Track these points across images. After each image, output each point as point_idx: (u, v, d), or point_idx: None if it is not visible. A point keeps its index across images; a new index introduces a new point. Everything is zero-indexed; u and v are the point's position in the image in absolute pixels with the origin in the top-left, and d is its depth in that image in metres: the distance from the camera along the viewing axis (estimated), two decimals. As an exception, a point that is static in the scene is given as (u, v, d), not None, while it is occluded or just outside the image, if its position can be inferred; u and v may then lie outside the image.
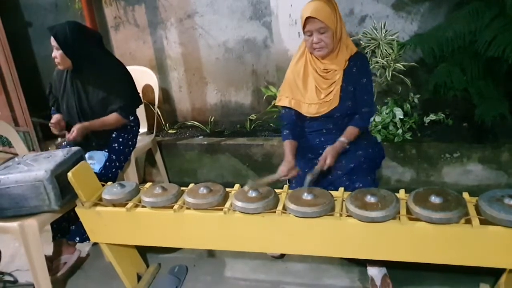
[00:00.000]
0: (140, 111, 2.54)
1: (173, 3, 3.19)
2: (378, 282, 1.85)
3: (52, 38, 2.07)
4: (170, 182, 3.02)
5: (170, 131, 3.34)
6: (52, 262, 2.17)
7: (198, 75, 3.37)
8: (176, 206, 1.65)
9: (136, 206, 1.71)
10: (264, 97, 3.10)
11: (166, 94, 3.48)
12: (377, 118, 2.66)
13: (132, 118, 2.33)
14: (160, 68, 3.41)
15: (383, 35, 2.67)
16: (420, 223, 1.40)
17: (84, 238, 2.18)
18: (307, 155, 1.97)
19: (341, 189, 1.65)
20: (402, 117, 2.64)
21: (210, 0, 3.10)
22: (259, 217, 1.56)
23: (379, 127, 2.64)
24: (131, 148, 2.42)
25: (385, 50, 2.65)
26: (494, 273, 1.74)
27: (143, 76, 2.88)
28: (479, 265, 1.44)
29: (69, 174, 1.67)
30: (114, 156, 2.25)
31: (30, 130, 3.42)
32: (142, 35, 3.36)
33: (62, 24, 2.11)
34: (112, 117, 2.19)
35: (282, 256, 2.16)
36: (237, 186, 1.74)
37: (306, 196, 1.52)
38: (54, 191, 1.72)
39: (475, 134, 2.58)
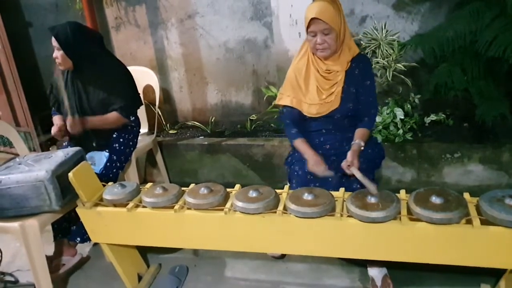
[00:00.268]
0: (141, 112, 2.53)
1: (173, 4, 3.19)
2: (378, 282, 1.85)
3: (53, 39, 2.07)
4: (170, 182, 3.02)
5: (170, 131, 3.34)
6: (52, 262, 2.17)
7: (199, 75, 3.37)
8: (176, 206, 1.65)
9: (137, 206, 1.71)
10: (265, 98, 3.10)
11: (166, 95, 3.48)
12: (378, 119, 2.66)
13: (133, 118, 2.33)
14: (160, 69, 3.41)
15: (384, 35, 2.67)
16: (421, 223, 1.40)
17: (85, 238, 2.18)
18: (308, 155, 1.97)
19: (342, 189, 1.65)
20: (402, 117, 2.64)
21: (210, 0, 3.10)
22: (260, 217, 1.56)
23: (380, 127, 2.64)
24: (132, 149, 2.42)
25: (386, 50, 2.65)
26: (495, 274, 1.74)
27: (143, 77, 2.88)
28: (480, 265, 1.43)
29: (70, 174, 1.67)
30: (114, 157, 2.25)
31: (31, 130, 3.42)
32: (143, 36, 3.36)
33: (63, 24, 2.11)
34: (113, 116, 2.19)
35: (282, 256, 2.16)
36: (237, 186, 1.74)
37: (307, 196, 1.52)
38: (55, 191, 1.72)
39: (475, 134, 2.58)
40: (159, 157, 2.98)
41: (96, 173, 1.87)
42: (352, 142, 1.85)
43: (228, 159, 2.99)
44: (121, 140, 2.30)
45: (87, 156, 2.13)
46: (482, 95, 2.32)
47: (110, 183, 1.88)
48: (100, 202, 1.77)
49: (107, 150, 2.25)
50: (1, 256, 2.16)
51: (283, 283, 2.00)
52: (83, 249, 2.35)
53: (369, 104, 1.92)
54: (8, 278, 2.18)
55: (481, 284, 1.79)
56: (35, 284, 1.87)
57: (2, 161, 1.98)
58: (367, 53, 2.67)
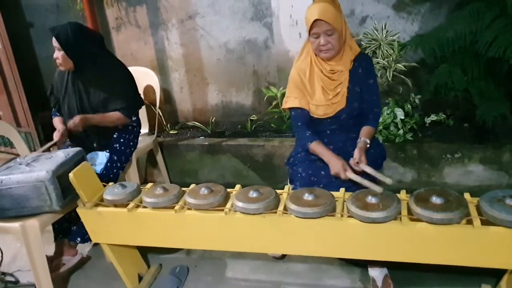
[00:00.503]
0: (141, 112, 2.54)
1: (174, 4, 3.19)
2: (379, 282, 1.85)
3: (54, 39, 2.07)
4: (171, 182, 3.02)
5: (171, 132, 3.34)
6: (53, 262, 2.17)
7: (199, 75, 3.37)
8: (177, 207, 1.65)
9: (137, 206, 1.71)
10: (265, 98, 3.10)
11: (167, 95, 3.48)
12: (378, 119, 2.66)
13: (134, 118, 2.33)
14: (161, 69, 3.41)
15: (384, 35, 2.68)
16: (421, 223, 1.40)
17: (86, 238, 2.18)
18: (310, 157, 1.96)
19: (342, 189, 1.65)
20: (403, 117, 2.64)
21: (211, 1, 3.10)
22: (260, 218, 1.56)
23: (380, 127, 2.64)
24: (133, 149, 2.42)
25: (386, 50, 2.65)
26: (496, 274, 1.74)
27: (144, 77, 2.89)
28: (480, 265, 1.43)
29: (71, 174, 1.67)
30: (115, 157, 2.25)
31: (31, 130, 3.43)
32: (144, 36, 3.36)
33: (64, 25, 2.11)
34: (114, 115, 2.19)
35: (283, 256, 2.16)
36: (238, 186, 1.74)
37: (307, 197, 1.52)
38: (55, 191, 1.72)
39: (476, 135, 2.58)
40: (159, 158, 2.99)
41: (96, 173, 1.87)
42: (358, 140, 1.85)
43: (229, 160, 2.99)
44: (122, 140, 2.30)
45: (88, 156, 2.13)
46: (482, 95, 2.32)
47: (110, 184, 1.88)
48: (100, 202, 1.77)
49: (107, 151, 2.25)
50: (2, 257, 2.16)
51: (283, 284, 2.00)
52: (84, 249, 2.35)
53: (373, 103, 1.92)
54: (8, 278, 2.18)
55: (481, 284, 1.79)
56: (36, 284, 1.87)
57: (2, 161, 1.98)
58: (367, 54, 2.67)
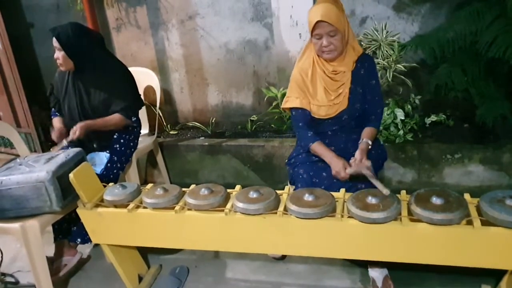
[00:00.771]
0: (142, 112, 2.54)
1: (174, 5, 3.20)
2: (379, 283, 1.85)
3: (54, 39, 2.07)
4: (171, 183, 3.02)
5: (171, 132, 3.34)
6: (53, 263, 2.17)
7: (199, 76, 3.37)
8: (177, 207, 1.65)
9: (138, 207, 1.71)
10: (265, 98, 3.10)
11: (167, 95, 3.48)
12: (378, 119, 2.66)
13: (134, 119, 2.33)
14: (161, 69, 3.41)
15: (384, 36, 2.68)
16: (421, 224, 1.40)
17: (86, 239, 2.18)
18: (311, 158, 1.96)
19: (342, 190, 1.65)
20: (403, 118, 2.63)
21: (211, 1, 3.10)
22: (260, 218, 1.56)
23: (381, 128, 2.64)
24: (133, 149, 2.42)
25: (386, 51, 2.65)
26: (496, 275, 1.74)
27: (144, 78, 2.89)
28: (481, 266, 1.43)
29: (71, 175, 1.67)
30: (115, 157, 2.25)
31: (31, 131, 3.43)
32: (144, 37, 3.36)
33: (64, 25, 2.11)
34: (115, 117, 2.19)
35: (283, 257, 2.16)
36: (238, 187, 1.74)
37: (307, 197, 1.52)
38: (55, 192, 1.72)
39: (476, 135, 2.58)
40: (159, 158, 2.99)
41: (96, 174, 1.87)
42: (360, 141, 1.84)
43: (229, 160, 2.99)
44: (122, 141, 2.30)
45: (88, 157, 2.13)
46: (482, 95, 2.32)
47: (110, 184, 1.88)
48: (100, 203, 1.77)
49: (107, 151, 2.25)
50: (2, 257, 2.16)
51: (283, 284, 2.00)
52: (84, 250, 2.35)
53: (375, 104, 1.92)
54: (8, 279, 2.18)
55: (481, 285, 1.79)
56: (36, 285, 1.87)
57: (2, 162, 1.98)
58: (369, 54, 2.67)
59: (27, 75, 3.44)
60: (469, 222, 1.37)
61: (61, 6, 3.46)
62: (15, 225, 1.76)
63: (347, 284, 1.95)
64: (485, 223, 1.35)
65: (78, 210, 1.78)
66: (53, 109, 2.36)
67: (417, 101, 2.76)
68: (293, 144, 2.68)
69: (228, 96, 3.37)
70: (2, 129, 2.42)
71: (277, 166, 2.87)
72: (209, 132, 3.26)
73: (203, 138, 3.18)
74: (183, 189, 1.76)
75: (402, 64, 2.65)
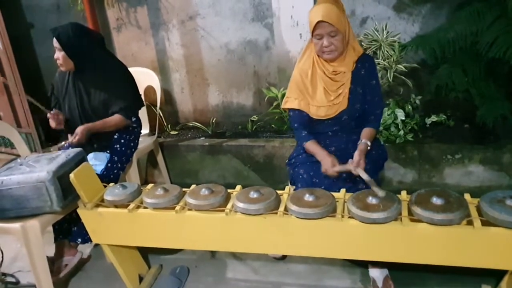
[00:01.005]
0: (142, 113, 2.54)
1: (175, 5, 3.20)
2: (380, 283, 1.85)
3: (54, 40, 2.07)
4: (171, 183, 3.02)
5: (172, 132, 3.35)
6: (54, 263, 2.17)
7: (200, 76, 3.37)
8: (177, 207, 1.65)
9: (138, 207, 1.71)
10: (266, 99, 3.11)
11: (168, 96, 3.49)
12: (379, 120, 2.66)
13: (134, 119, 2.33)
14: (162, 70, 3.41)
15: (385, 36, 2.68)
16: (422, 224, 1.40)
17: (86, 239, 2.18)
18: (312, 158, 1.95)
19: (343, 190, 1.65)
20: (403, 118, 2.64)
21: (212, 1, 3.10)
22: (261, 218, 1.56)
23: (381, 128, 2.64)
24: (133, 150, 2.42)
25: (387, 51, 2.65)
26: (496, 275, 1.74)
27: (145, 78, 2.89)
28: (481, 266, 1.43)
29: (71, 175, 1.67)
30: (116, 158, 2.25)
31: (32, 131, 3.42)
32: (144, 37, 3.37)
33: (65, 25, 2.12)
34: (114, 118, 2.20)
35: (283, 257, 2.16)
36: (238, 187, 1.74)
37: (308, 197, 1.52)
38: (56, 192, 1.72)
39: (476, 135, 2.58)
40: (160, 158, 2.99)
41: (97, 174, 1.87)
42: (359, 142, 1.84)
43: (229, 160, 2.99)
44: (122, 141, 2.30)
45: (88, 157, 2.13)
46: (483, 96, 2.32)
47: (111, 184, 1.88)
48: (101, 203, 1.77)
49: (108, 151, 2.26)
50: (2, 257, 2.16)
51: (284, 284, 2.00)
52: (84, 250, 2.35)
53: (375, 104, 1.92)
54: (9, 279, 2.18)
55: (482, 285, 1.79)
56: (36, 285, 1.87)
57: (3, 162, 1.98)
58: (370, 55, 2.67)
59: (27, 75, 3.44)
60: (470, 222, 1.37)
61: (62, 6, 3.47)
62: (16, 225, 1.76)
63: (347, 284, 1.95)
64: (486, 223, 1.35)
65: (78, 210, 1.78)
66: (53, 109, 2.36)
67: (417, 102, 2.76)
68: (294, 144, 2.68)
69: (229, 96, 3.37)
70: (3, 129, 2.42)
71: (278, 166, 2.87)
72: (209, 132, 3.26)
73: (203, 138, 3.18)
74: (184, 189, 1.76)
75: (403, 65, 2.65)
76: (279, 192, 1.65)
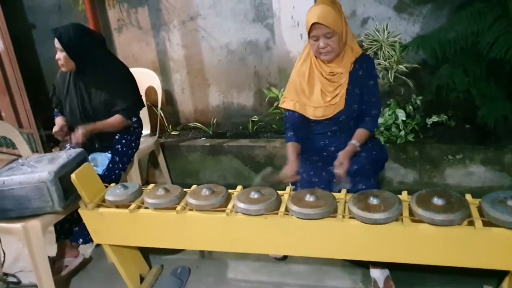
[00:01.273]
0: (143, 113, 2.54)
1: (176, 6, 3.20)
2: (381, 284, 1.85)
3: (56, 40, 2.08)
4: (172, 183, 3.02)
5: (172, 133, 3.35)
6: (55, 263, 2.17)
7: (201, 77, 3.37)
8: (178, 208, 1.65)
9: (139, 207, 1.72)
10: (266, 99, 3.11)
11: (169, 96, 3.49)
12: (380, 120, 2.65)
13: (135, 119, 2.34)
14: (163, 70, 3.42)
15: (386, 36, 2.67)
16: (423, 225, 1.40)
17: (87, 239, 2.18)
18: (312, 157, 1.97)
19: (344, 190, 1.65)
20: (404, 118, 2.64)
21: (212, 2, 3.11)
22: (262, 219, 1.56)
23: (382, 128, 2.64)
24: (134, 150, 2.42)
25: (388, 51, 2.65)
26: (497, 275, 1.74)
27: (146, 78, 2.89)
28: (482, 267, 1.43)
29: (73, 175, 1.67)
30: (117, 158, 2.25)
31: (33, 131, 3.43)
32: (145, 37, 3.37)
33: (66, 26, 2.12)
34: (115, 119, 2.20)
35: (284, 257, 2.16)
36: (239, 187, 1.74)
37: (309, 198, 1.53)
38: (57, 192, 1.73)
39: (477, 136, 2.58)
40: (161, 158, 2.99)
41: (98, 174, 1.88)
42: (349, 142, 1.84)
43: (230, 160, 3.00)
44: (124, 141, 2.31)
45: (90, 157, 2.14)
46: (484, 96, 2.32)
47: (112, 184, 1.88)
48: (102, 203, 1.77)
49: (109, 152, 2.26)
50: (4, 257, 2.16)
51: (284, 285, 2.00)
52: (86, 250, 2.35)
53: (371, 104, 1.91)
54: (10, 279, 2.18)
55: (483, 285, 1.79)
56: (38, 285, 1.87)
57: (4, 162, 1.99)
58: (369, 55, 2.67)
59: (29, 75, 3.45)
60: (471, 223, 1.37)
61: (63, 7, 3.47)
62: (17, 225, 1.77)
63: (348, 285, 1.95)
64: (487, 223, 1.35)
65: (80, 211, 1.78)
66: (55, 110, 2.37)
67: (418, 102, 2.76)
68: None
69: (229, 96, 3.37)
70: (4, 130, 2.42)
71: (278, 167, 2.87)
72: (210, 132, 3.26)
73: (204, 138, 3.18)
74: (185, 189, 1.76)
75: (404, 65, 2.65)
76: (279, 192, 1.66)
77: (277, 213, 1.55)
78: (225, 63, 3.27)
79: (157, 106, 2.91)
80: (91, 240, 2.10)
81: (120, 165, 2.28)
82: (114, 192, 1.76)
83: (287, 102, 1.98)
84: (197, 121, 3.43)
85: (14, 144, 2.51)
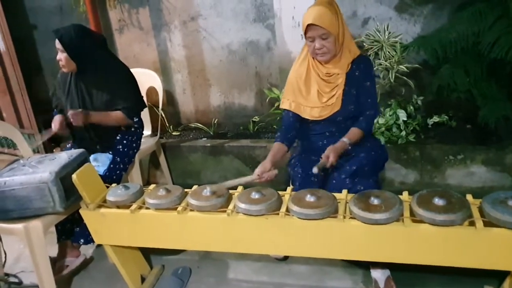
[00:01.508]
0: (144, 114, 2.55)
1: (177, 6, 3.20)
2: (381, 284, 1.85)
3: (57, 41, 2.08)
4: (173, 184, 3.03)
5: (174, 133, 3.35)
6: (56, 263, 2.18)
7: (202, 77, 3.38)
8: (179, 208, 1.65)
9: (140, 208, 1.72)
10: (267, 99, 3.11)
11: (170, 97, 3.49)
12: (381, 120, 2.66)
13: (137, 120, 2.34)
14: (164, 71, 3.42)
15: (386, 37, 2.67)
16: (424, 225, 1.40)
17: (89, 240, 2.18)
18: (310, 158, 1.97)
19: (345, 191, 1.65)
20: (405, 119, 2.64)
21: (213, 2, 3.11)
22: (263, 219, 1.56)
23: (383, 129, 2.64)
24: (135, 150, 2.43)
25: (388, 52, 2.65)
26: (498, 276, 1.73)
27: (147, 79, 2.90)
28: (483, 267, 1.43)
29: (74, 176, 1.68)
30: (118, 158, 2.26)
31: (35, 132, 3.44)
32: (146, 38, 3.37)
33: (67, 27, 2.12)
34: (116, 114, 2.19)
35: (285, 258, 2.16)
36: (240, 188, 1.74)
37: (309, 198, 1.53)
38: (58, 193, 1.73)
39: (478, 136, 2.58)
40: (162, 159, 2.99)
41: (99, 174, 1.88)
42: (341, 139, 1.84)
43: (231, 161, 3.00)
44: (125, 142, 2.31)
45: (91, 158, 2.14)
46: (485, 96, 2.32)
47: (113, 185, 1.89)
48: (103, 203, 1.78)
49: (110, 152, 2.26)
50: (5, 258, 2.17)
51: (285, 285, 2.00)
52: (87, 250, 2.36)
53: (367, 105, 1.91)
54: (12, 279, 2.18)
55: (484, 286, 1.79)
56: (39, 285, 1.87)
57: (6, 163, 1.98)
58: (369, 55, 2.67)
59: (30, 76, 3.45)
60: (472, 223, 1.37)
61: (64, 8, 3.48)
62: (19, 226, 1.77)
63: (349, 285, 1.95)
64: (488, 224, 1.35)
65: (81, 211, 1.78)
66: (55, 110, 2.37)
67: (419, 102, 2.76)
68: (294, 146, 2.68)
69: (230, 97, 3.38)
70: (5, 130, 2.43)
71: (279, 167, 2.86)
72: (211, 133, 3.27)
73: (205, 139, 3.18)
74: (186, 190, 1.77)
75: (405, 65, 2.65)
76: (280, 193, 1.66)
77: (278, 214, 1.55)
78: (226, 63, 3.27)
79: (158, 107, 2.92)
80: (92, 241, 2.10)
81: (121, 166, 2.28)
82: (115, 193, 1.76)
83: (284, 103, 2.01)
84: (198, 121, 3.43)
85: (15, 145, 2.51)
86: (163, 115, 3.18)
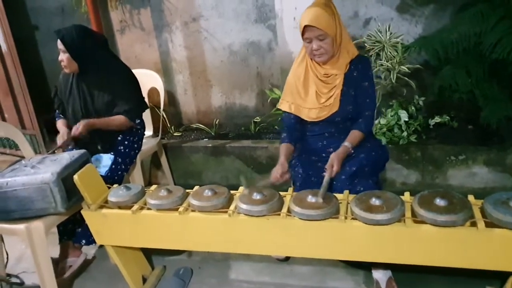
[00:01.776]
0: (146, 114, 2.55)
1: (178, 7, 3.21)
2: (383, 285, 1.84)
3: (59, 42, 2.09)
4: (175, 184, 3.03)
5: (175, 134, 3.35)
6: (58, 264, 2.18)
7: (203, 78, 3.38)
8: (181, 209, 1.65)
9: (142, 208, 1.72)
10: (269, 100, 3.11)
11: (171, 97, 3.50)
12: (382, 121, 2.66)
13: (138, 121, 2.34)
14: (165, 71, 3.43)
15: (388, 37, 2.67)
16: (425, 225, 1.40)
17: (90, 240, 2.18)
18: (311, 158, 1.98)
19: (346, 191, 1.65)
20: (407, 119, 2.63)
21: (215, 3, 3.11)
22: (264, 220, 1.56)
23: (384, 129, 2.64)
24: (137, 151, 2.43)
25: (390, 52, 2.64)
26: (501, 277, 1.73)
27: (148, 79, 2.90)
28: (485, 268, 1.43)
29: (75, 176, 1.68)
30: (120, 159, 2.26)
31: (36, 133, 3.44)
32: (148, 39, 3.38)
33: (69, 27, 2.13)
34: (118, 118, 2.20)
35: (287, 258, 2.16)
36: (241, 188, 1.74)
37: (311, 199, 1.53)
38: (60, 193, 1.73)
39: (480, 137, 2.57)
40: (163, 160, 2.99)
41: (101, 175, 1.88)
42: (342, 144, 1.84)
43: (232, 161, 3.00)
44: (126, 142, 2.31)
45: (92, 158, 2.14)
46: (486, 97, 2.31)
47: (115, 185, 1.89)
48: (105, 204, 1.78)
49: (112, 153, 2.26)
50: (7, 258, 2.17)
51: (287, 286, 2.00)
52: (88, 251, 2.36)
53: (365, 106, 1.91)
54: (14, 280, 2.18)
55: (486, 287, 1.78)
56: (41, 286, 1.87)
57: (8, 163, 1.99)
58: (371, 56, 2.67)
59: (32, 77, 3.46)
60: (473, 224, 1.37)
61: (66, 9, 3.48)
62: (20, 226, 1.77)
63: (350, 286, 1.95)
64: (489, 225, 1.35)
65: (82, 212, 1.79)
66: (56, 111, 2.38)
67: (421, 103, 2.76)
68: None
69: (232, 97, 3.38)
70: (7, 131, 2.43)
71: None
72: (212, 133, 3.27)
73: (206, 139, 3.18)
74: (187, 190, 1.77)
75: (406, 66, 2.65)
76: (282, 193, 1.66)
77: (279, 214, 1.55)
78: (228, 64, 3.27)
79: (160, 107, 2.92)
80: (94, 241, 2.10)
81: (123, 166, 2.28)
82: (116, 193, 1.76)
83: (284, 104, 2.01)
84: (200, 122, 3.43)
85: (17, 145, 2.52)
86: (165, 115, 3.18)
